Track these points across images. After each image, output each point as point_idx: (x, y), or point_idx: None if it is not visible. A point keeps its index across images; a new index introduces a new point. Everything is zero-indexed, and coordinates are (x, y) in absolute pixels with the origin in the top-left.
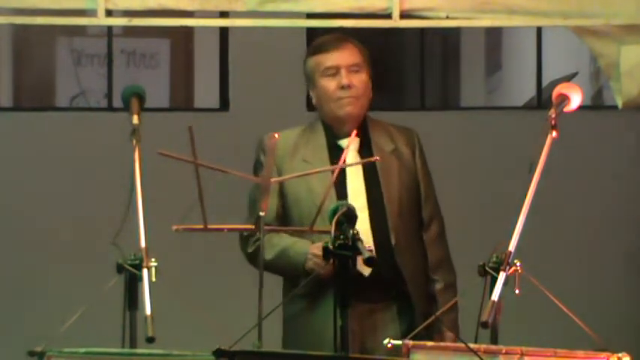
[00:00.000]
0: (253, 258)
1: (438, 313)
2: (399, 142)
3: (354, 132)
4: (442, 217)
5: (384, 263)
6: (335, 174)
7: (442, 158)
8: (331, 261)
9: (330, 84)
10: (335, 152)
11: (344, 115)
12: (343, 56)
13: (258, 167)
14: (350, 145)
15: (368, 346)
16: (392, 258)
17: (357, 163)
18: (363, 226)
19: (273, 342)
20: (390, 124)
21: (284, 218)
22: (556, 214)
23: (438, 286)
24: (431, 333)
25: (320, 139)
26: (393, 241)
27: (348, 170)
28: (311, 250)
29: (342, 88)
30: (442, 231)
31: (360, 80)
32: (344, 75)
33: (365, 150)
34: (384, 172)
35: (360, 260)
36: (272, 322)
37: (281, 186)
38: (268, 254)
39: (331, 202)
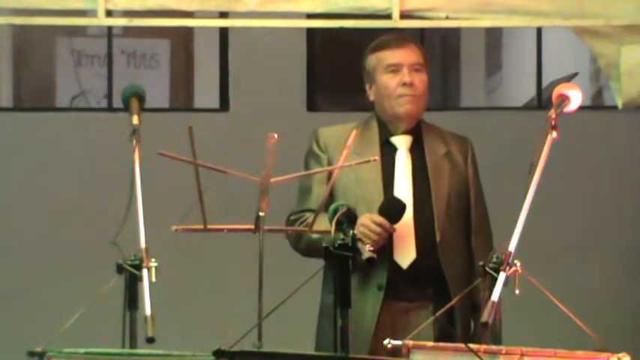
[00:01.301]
0: (297, 242)
1: (437, 314)
2: (452, 147)
3: (354, 133)
4: (490, 226)
5: (425, 259)
6: (335, 173)
7: None
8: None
9: (391, 81)
10: (387, 148)
11: (403, 113)
12: (406, 54)
13: (310, 157)
14: (400, 143)
15: None
16: (435, 255)
17: (357, 163)
18: (405, 220)
19: (273, 342)
20: (444, 130)
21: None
22: (556, 214)
23: (484, 294)
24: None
25: (373, 134)
26: (437, 238)
27: (397, 165)
28: (360, 220)
29: (404, 85)
30: (490, 240)
31: (420, 80)
32: (406, 73)
33: (417, 150)
34: (435, 172)
35: (398, 251)
36: (272, 322)
37: (330, 175)
38: (314, 234)
39: (378, 194)
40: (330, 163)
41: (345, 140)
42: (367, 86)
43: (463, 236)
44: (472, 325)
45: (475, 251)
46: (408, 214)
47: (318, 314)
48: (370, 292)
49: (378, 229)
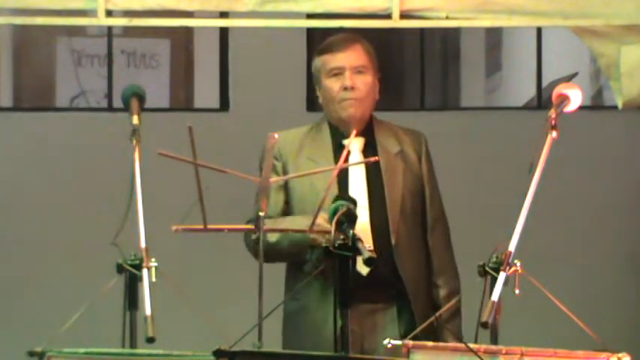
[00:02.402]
0: (256, 244)
1: (437, 314)
2: (405, 144)
3: (354, 132)
4: (447, 223)
5: (382, 263)
6: (334, 173)
7: (442, 158)
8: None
9: (334, 85)
10: (340, 152)
11: (346, 117)
12: (349, 57)
13: (260, 166)
14: (352, 145)
15: (367, 346)
16: (391, 258)
17: (357, 163)
18: (362, 226)
19: (273, 342)
20: (397, 126)
21: (288, 214)
22: (556, 214)
23: (442, 292)
24: (434, 341)
25: (325, 138)
26: (392, 242)
27: (351, 170)
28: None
29: (345, 89)
30: (447, 236)
31: (363, 82)
32: (347, 76)
33: (369, 150)
34: (388, 173)
35: (358, 260)
36: (272, 322)
37: (285, 183)
38: (271, 237)
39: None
40: (284, 169)
41: (297, 144)
42: (317, 89)
43: (420, 235)
44: (435, 323)
45: (432, 249)
46: (365, 219)
47: (283, 320)
48: (331, 299)
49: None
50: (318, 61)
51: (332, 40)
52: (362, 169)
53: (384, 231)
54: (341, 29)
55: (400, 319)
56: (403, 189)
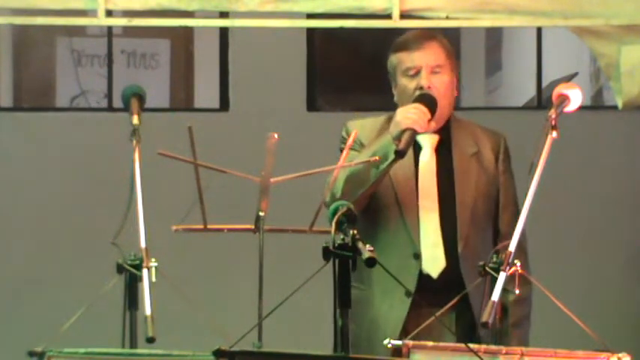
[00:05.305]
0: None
1: (438, 314)
2: (483, 145)
3: (355, 133)
4: (524, 229)
5: (450, 269)
6: (335, 173)
7: None
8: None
9: (409, 84)
10: (415, 147)
11: None
12: (425, 56)
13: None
14: (425, 142)
15: None
16: (458, 265)
17: (357, 163)
18: (432, 227)
19: (273, 342)
20: (477, 126)
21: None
22: (556, 214)
23: (511, 296)
24: (499, 344)
25: None
26: (459, 249)
27: (421, 167)
28: (397, 112)
29: (422, 89)
30: (522, 245)
31: (440, 82)
32: (424, 76)
33: (444, 149)
34: (461, 175)
35: (424, 261)
36: (272, 322)
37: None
38: (343, 173)
39: (411, 194)
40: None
41: (377, 131)
42: (392, 86)
43: (490, 241)
44: (502, 326)
45: None
46: (435, 221)
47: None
48: (397, 298)
49: (414, 109)
50: (393, 59)
51: (408, 38)
52: (432, 168)
53: (452, 237)
54: (341, 29)
55: (458, 324)
56: (475, 193)
